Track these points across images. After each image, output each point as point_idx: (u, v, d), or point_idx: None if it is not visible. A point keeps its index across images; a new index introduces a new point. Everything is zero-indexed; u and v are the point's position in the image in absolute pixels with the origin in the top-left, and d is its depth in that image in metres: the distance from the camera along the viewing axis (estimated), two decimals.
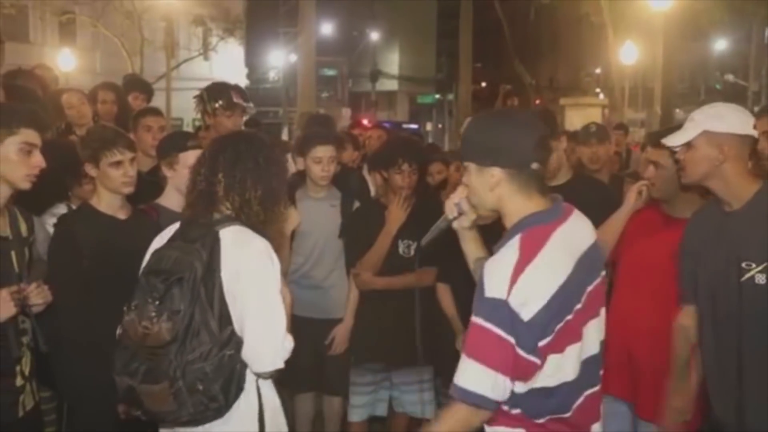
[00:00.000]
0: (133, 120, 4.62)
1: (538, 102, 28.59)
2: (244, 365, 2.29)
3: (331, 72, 39.33)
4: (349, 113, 27.16)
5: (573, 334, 2.03)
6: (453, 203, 2.30)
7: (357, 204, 4.22)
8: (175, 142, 3.45)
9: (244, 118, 4.42)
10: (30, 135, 2.63)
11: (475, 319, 1.98)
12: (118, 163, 3.07)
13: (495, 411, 2.01)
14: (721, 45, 34.38)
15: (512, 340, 1.93)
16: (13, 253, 2.72)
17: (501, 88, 25.84)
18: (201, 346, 2.20)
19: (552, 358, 1.99)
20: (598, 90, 25.40)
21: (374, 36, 40.32)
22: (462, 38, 25.70)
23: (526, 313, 1.93)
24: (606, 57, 21.20)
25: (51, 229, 3.30)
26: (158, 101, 8.42)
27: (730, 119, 2.61)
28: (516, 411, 2.06)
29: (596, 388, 2.18)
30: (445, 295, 3.95)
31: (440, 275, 3.93)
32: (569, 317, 2.00)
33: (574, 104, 16.74)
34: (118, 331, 2.34)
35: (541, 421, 2.06)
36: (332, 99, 37.89)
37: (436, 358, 4.04)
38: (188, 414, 2.23)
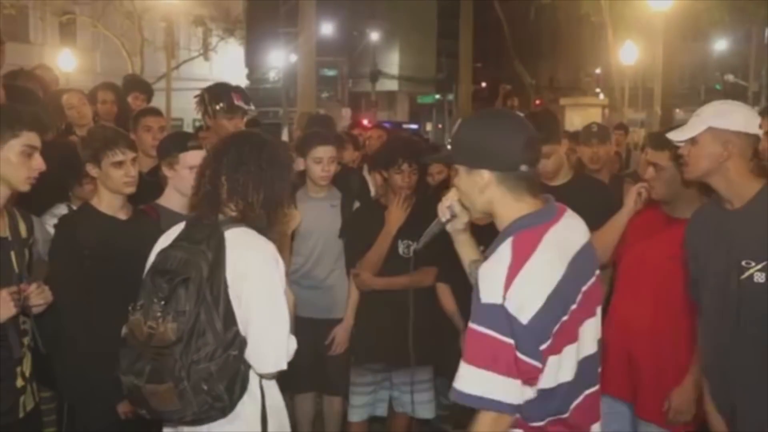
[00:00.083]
0: (133, 120, 4.62)
1: (538, 102, 28.58)
2: (248, 365, 2.30)
3: (331, 72, 39.33)
4: (349, 113, 27.12)
5: (569, 335, 2.02)
6: (445, 206, 2.30)
7: (357, 204, 4.23)
8: (175, 142, 3.45)
9: (245, 119, 4.42)
10: (32, 138, 2.63)
11: (473, 326, 1.97)
12: (120, 163, 3.07)
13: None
14: (721, 45, 34.40)
15: (512, 342, 1.93)
16: (12, 254, 2.72)
17: (501, 88, 25.77)
18: (206, 347, 2.21)
19: (550, 360, 1.99)
20: (598, 90, 25.43)
21: (374, 36, 40.32)
22: (462, 38, 25.69)
23: (524, 317, 1.92)
24: (606, 57, 21.17)
25: (51, 230, 3.30)
26: (158, 101, 8.41)
27: (736, 117, 2.61)
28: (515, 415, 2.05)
29: (595, 388, 2.18)
30: (445, 294, 3.96)
31: (440, 275, 3.94)
32: (565, 318, 2.00)
33: (574, 104, 16.76)
34: (124, 330, 2.35)
35: (540, 423, 2.05)
36: (332, 99, 37.89)
37: (436, 358, 4.04)
38: (192, 413, 2.24)
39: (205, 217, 2.36)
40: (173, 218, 3.20)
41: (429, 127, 40.91)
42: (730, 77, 33.24)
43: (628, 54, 20.33)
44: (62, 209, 3.64)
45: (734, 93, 30.47)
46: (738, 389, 2.65)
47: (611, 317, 3.15)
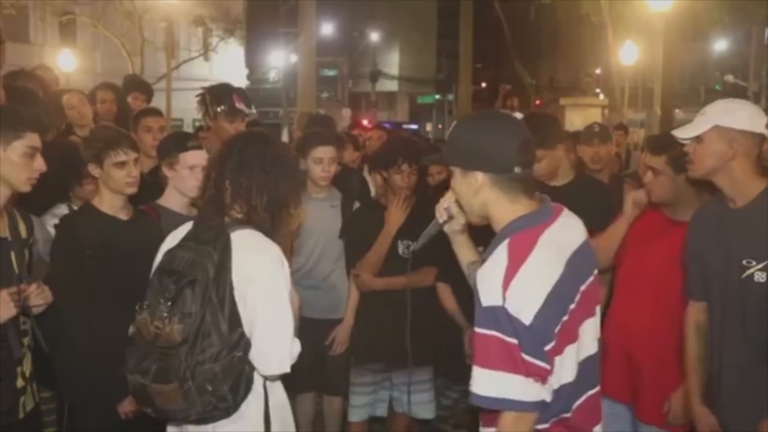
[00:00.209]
0: (133, 120, 4.63)
1: (538, 102, 28.59)
2: (253, 367, 2.31)
3: (331, 72, 39.32)
4: (350, 113, 27.10)
5: (569, 335, 2.02)
6: (443, 207, 2.31)
7: (357, 204, 4.23)
8: (175, 142, 3.45)
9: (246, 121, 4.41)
10: (34, 139, 2.64)
11: (478, 330, 1.97)
12: (122, 164, 3.07)
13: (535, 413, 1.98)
14: (721, 45, 34.39)
15: (516, 342, 1.93)
16: (12, 254, 2.72)
17: (501, 88, 25.80)
18: (211, 348, 2.22)
19: (555, 361, 1.99)
20: (598, 90, 25.42)
21: (374, 36, 40.32)
22: (462, 38, 25.68)
23: (526, 317, 1.92)
24: (606, 57, 21.16)
25: (51, 230, 3.30)
26: (158, 102, 8.41)
27: (742, 115, 2.60)
28: None
29: (596, 389, 2.18)
30: (445, 293, 3.96)
31: (440, 275, 3.94)
32: (565, 318, 2.00)
33: (574, 104, 16.73)
34: (131, 329, 2.37)
35: (545, 426, 2.04)
36: (332, 99, 37.89)
37: (436, 358, 4.05)
38: (197, 413, 2.26)
39: (212, 219, 2.37)
40: (173, 218, 3.20)
41: (429, 127, 40.89)
42: (730, 77, 33.23)
43: (628, 54, 20.31)
44: (62, 209, 3.64)
45: (734, 93, 30.43)
46: (743, 389, 2.65)
47: (611, 319, 3.15)
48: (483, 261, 2.09)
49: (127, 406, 3.03)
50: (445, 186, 4.84)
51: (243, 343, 2.26)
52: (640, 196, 3.15)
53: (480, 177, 2.07)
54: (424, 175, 4.28)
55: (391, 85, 42.91)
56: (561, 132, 3.83)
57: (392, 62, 42.82)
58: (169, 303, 2.24)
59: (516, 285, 1.93)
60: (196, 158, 3.33)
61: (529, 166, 2.10)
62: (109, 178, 3.09)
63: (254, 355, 2.29)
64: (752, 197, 2.61)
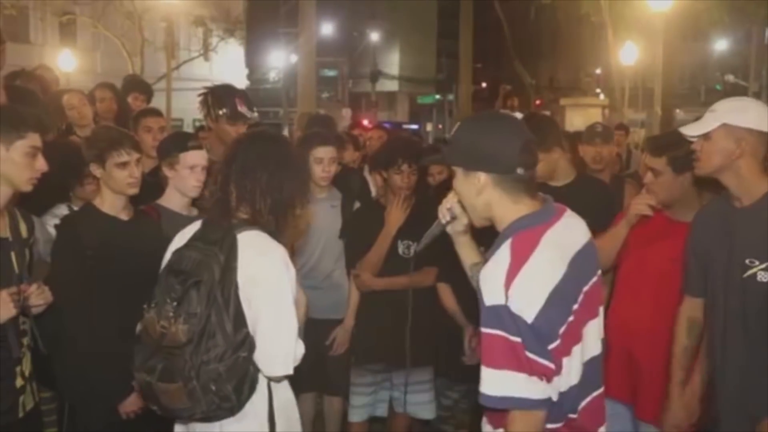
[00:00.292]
0: (133, 121, 4.62)
1: (538, 102, 28.60)
2: (258, 367, 2.32)
3: (331, 72, 39.35)
4: (350, 114, 27.08)
5: (574, 335, 2.03)
6: (446, 208, 2.31)
7: (358, 204, 4.22)
8: (175, 142, 3.45)
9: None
10: (36, 139, 2.65)
11: (484, 330, 1.98)
12: (124, 164, 3.07)
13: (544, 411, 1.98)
14: (721, 45, 34.40)
15: (520, 341, 1.93)
16: (13, 254, 2.72)
17: (501, 88, 25.86)
18: (216, 348, 2.23)
19: (564, 362, 1.99)
20: (598, 90, 25.44)
21: (374, 36, 40.34)
22: (462, 38, 25.67)
23: (528, 316, 1.92)
24: (606, 57, 21.15)
25: (52, 230, 3.30)
26: (158, 102, 8.41)
27: (751, 114, 2.60)
28: None
29: (600, 390, 2.18)
30: (446, 293, 3.97)
31: (441, 275, 3.94)
32: (571, 319, 2.00)
33: (574, 104, 16.76)
34: (139, 327, 2.39)
35: (552, 426, 2.04)
36: (332, 99, 37.91)
37: (436, 358, 4.04)
38: (202, 412, 2.28)
39: (219, 221, 2.38)
40: (174, 218, 3.21)
41: (429, 127, 40.85)
42: (730, 77, 33.23)
43: (628, 54, 20.32)
44: (63, 209, 3.64)
45: (734, 93, 30.39)
46: (738, 388, 2.65)
47: (611, 319, 3.14)
48: (485, 261, 2.09)
49: (128, 406, 3.04)
50: (445, 186, 4.85)
51: (248, 344, 2.27)
52: (646, 210, 3.09)
53: (482, 177, 2.08)
54: (424, 175, 4.27)
55: (392, 85, 42.92)
56: (559, 134, 3.81)
57: (392, 62, 42.84)
58: (175, 303, 2.26)
59: (518, 283, 1.93)
60: (196, 158, 3.33)
61: (531, 166, 2.10)
62: (111, 179, 3.09)
63: (258, 356, 2.29)
64: (758, 196, 2.61)
